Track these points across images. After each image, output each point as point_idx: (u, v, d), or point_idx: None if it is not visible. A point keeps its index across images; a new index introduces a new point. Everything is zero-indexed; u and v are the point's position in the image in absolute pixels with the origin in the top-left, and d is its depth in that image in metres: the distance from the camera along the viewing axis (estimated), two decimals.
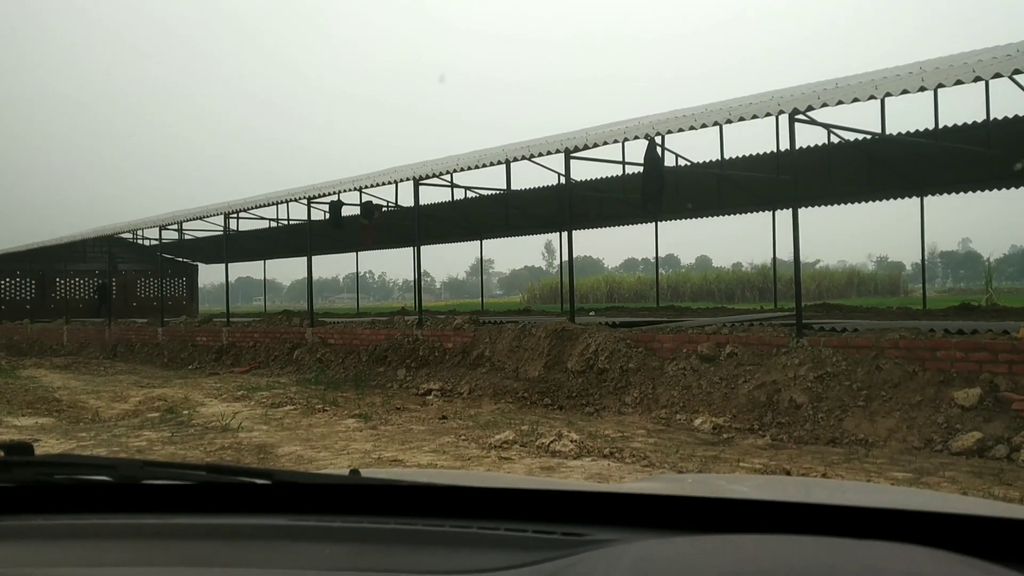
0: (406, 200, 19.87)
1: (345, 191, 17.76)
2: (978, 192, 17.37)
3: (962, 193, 17.66)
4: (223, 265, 22.36)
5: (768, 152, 16.17)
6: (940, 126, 12.86)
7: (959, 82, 8.29)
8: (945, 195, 18.03)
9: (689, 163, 16.80)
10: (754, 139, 16.77)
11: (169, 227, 25.23)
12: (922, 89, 8.61)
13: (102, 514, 1.18)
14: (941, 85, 8.54)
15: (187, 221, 23.86)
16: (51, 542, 1.11)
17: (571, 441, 7.28)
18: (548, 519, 1.12)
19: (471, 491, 1.23)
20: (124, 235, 29.55)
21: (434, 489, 1.24)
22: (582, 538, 1.04)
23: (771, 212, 20.11)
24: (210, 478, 1.23)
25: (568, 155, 12.48)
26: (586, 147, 12.13)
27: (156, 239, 27.02)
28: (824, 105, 9.17)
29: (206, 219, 22.79)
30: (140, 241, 32.91)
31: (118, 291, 33.95)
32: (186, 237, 29.05)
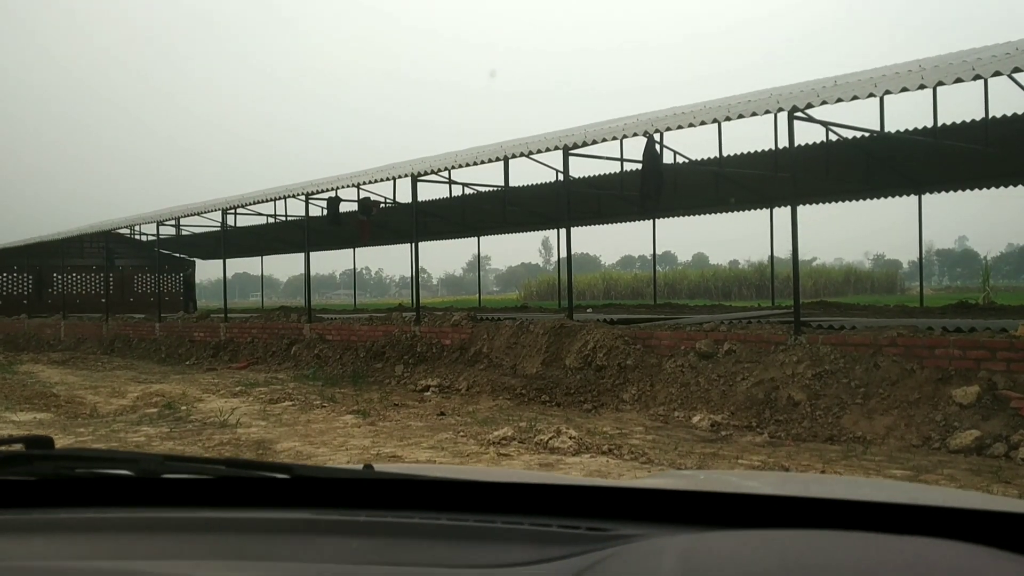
0: (404, 197, 19.86)
1: (343, 187, 17.74)
2: (976, 190, 17.39)
3: (960, 191, 17.68)
4: (220, 261, 22.33)
5: (766, 150, 16.18)
6: (939, 124, 12.86)
7: (959, 80, 8.30)
8: (943, 193, 18.05)
9: (688, 160, 16.80)
10: (752, 136, 16.79)
11: (167, 223, 25.17)
12: (921, 87, 8.61)
13: (124, 508, 1.18)
14: (941, 83, 8.54)
15: (184, 217, 23.83)
16: (76, 535, 1.11)
17: (569, 438, 7.29)
18: (569, 514, 1.11)
19: (490, 486, 1.23)
20: (121, 230, 29.46)
21: (453, 484, 1.23)
22: (607, 533, 1.03)
23: (769, 210, 20.13)
24: (229, 472, 1.23)
25: (567, 152, 12.48)
26: (584, 144, 12.11)
27: (153, 235, 26.95)
28: (824, 103, 9.17)
29: (204, 215, 22.73)
30: (137, 236, 32.83)
31: (115, 287, 33.90)
32: (183, 233, 29.00)
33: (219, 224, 22.23)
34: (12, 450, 1.23)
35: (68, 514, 1.16)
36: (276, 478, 1.23)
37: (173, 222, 25.80)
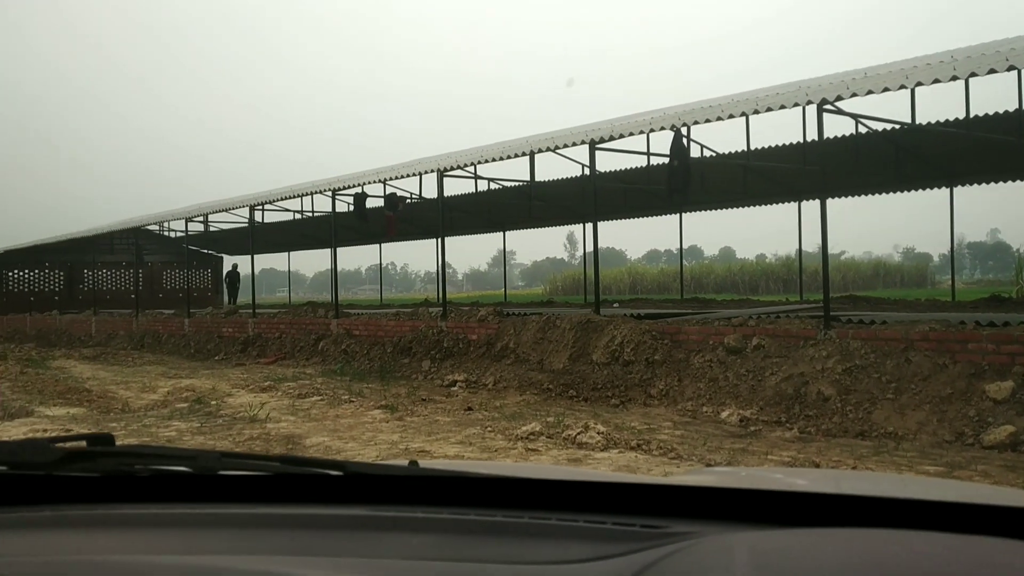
0: (430, 192, 19.91)
1: (369, 183, 17.80)
2: (1009, 182, 17.15)
3: (993, 183, 17.43)
4: (247, 257, 22.50)
5: (795, 142, 16.04)
6: (971, 115, 12.67)
7: (992, 71, 8.17)
8: (975, 185, 17.81)
9: (715, 154, 16.69)
10: (781, 129, 16.65)
11: (195, 219, 25.42)
12: (954, 78, 8.48)
13: (185, 504, 1.20)
14: (974, 74, 8.41)
15: (212, 213, 24.04)
16: (141, 530, 1.13)
17: (598, 433, 7.27)
18: (620, 512, 1.12)
19: (541, 484, 1.24)
20: (150, 227, 29.80)
21: (503, 481, 1.24)
22: (662, 530, 1.03)
23: (797, 203, 19.97)
24: (284, 469, 1.25)
25: (593, 146, 12.43)
26: (611, 138, 12.06)
27: (182, 231, 27.24)
28: (854, 95, 9.06)
29: (231, 211, 22.94)
30: (166, 233, 33.21)
31: (144, 283, 34.27)
32: (211, 229, 29.29)
33: (246, 220, 22.40)
34: (75, 447, 1.25)
35: (132, 509, 1.18)
36: (330, 475, 1.24)
37: (201, 218, 26.05)
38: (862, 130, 14.21)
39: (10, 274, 34.60)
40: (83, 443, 1.28)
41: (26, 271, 34.86)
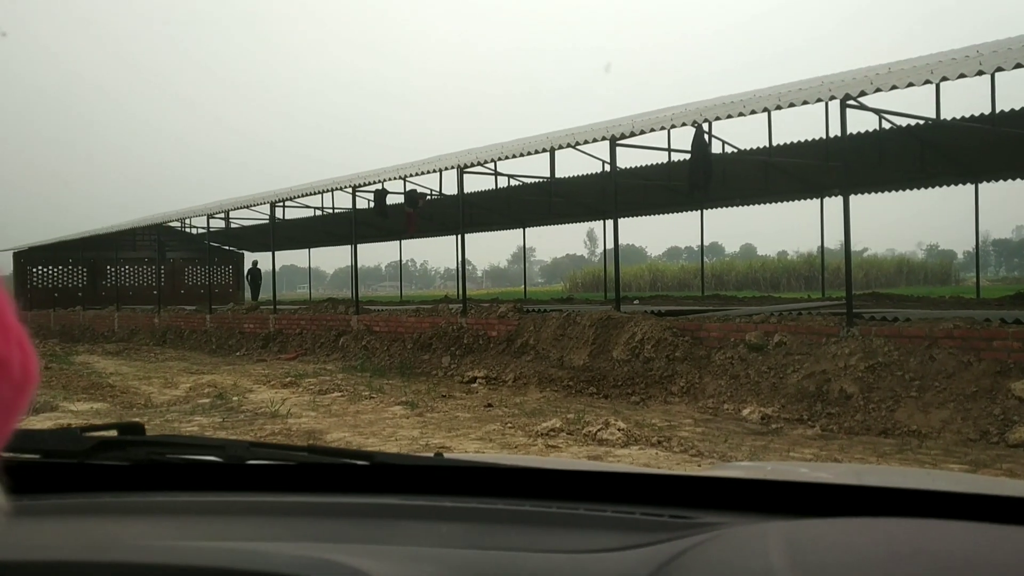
0: (450, 189, 19.94)
1: (389, 180, 17.84)
2: None
3: (1019, 179, 17.23)
4: (268, 253, 22.61)
5: (817, 138, 15.92)
6: (997, 111, 12.52)
7: (1019, 65, 8.07)
8: (1000, 182, 17.61)
9: (736, 150, 16.59)
10: (802, 125, 16.53)
11: (216, 216, 25.57)
12: (980, 73, 8.39)
13: (215, 492, 1.21)
14: (1000, 69, 8.31)
15: (234, 210, 24.16)
16: (175, 518, 1.14)
17: (618, 429, 7.26)
18: (648, 502, 1.11)
19: (568, 474, 1.24)
20: (172, 223, 30.01)
21: (530, 472, 1.24)
22: (691, 520, 1.03)
23: (819, 199, 19.83)
24: (312, 459, 1.26)
25: (614, 142, 12.39)
26: (632, 134, 12.03)
27: (203, 228, 27.41)
28: (877, 90, 8.98)
29: (253, 208, 23.06)
30: (188, 229, 33.43)
31: (166, 279, 34.53)
32: (232, 226, 29.45)
33: (267, 217, 22.51)
34: (106, 436, 1.26)
35: (163, 497, 1.20)
36: (357, 464, 1.25)
37: (222, 215, 26.21)
38: (885, 126, 14.07)
39: (34, 271, 34.98)
40: (114, 432, 1.29)
41: (50, 267, 35.25)
